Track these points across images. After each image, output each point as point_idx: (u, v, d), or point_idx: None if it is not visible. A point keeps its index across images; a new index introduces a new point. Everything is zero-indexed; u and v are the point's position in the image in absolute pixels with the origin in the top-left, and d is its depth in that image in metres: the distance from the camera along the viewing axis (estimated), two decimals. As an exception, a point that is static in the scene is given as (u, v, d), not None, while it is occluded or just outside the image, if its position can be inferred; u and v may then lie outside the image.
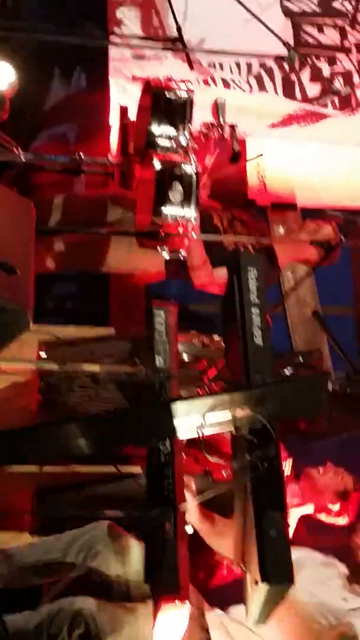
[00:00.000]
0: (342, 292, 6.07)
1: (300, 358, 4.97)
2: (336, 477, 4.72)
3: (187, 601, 2.90)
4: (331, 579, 4.01)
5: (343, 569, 4.11)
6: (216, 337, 4.53)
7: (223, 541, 4.00)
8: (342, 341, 5.03)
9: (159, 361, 3.50)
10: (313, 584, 3.92)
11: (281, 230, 5.67)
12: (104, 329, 4.64)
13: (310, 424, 4.95)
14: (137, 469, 4.06)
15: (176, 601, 2.89)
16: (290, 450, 4.73)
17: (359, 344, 6.07)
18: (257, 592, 2.87)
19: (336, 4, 6.08)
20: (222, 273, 4.84)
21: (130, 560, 3.91)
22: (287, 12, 5.99)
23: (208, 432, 3.12)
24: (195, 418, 3.07)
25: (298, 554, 4.10)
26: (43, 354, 4.32)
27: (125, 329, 4.67)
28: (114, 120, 5.55)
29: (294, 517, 4.70)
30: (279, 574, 2.84)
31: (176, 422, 3.07)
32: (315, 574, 4.01)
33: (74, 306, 5.51)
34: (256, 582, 2.86)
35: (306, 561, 4.10)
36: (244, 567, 3.10)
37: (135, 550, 3.87)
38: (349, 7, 6.08)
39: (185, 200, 4.43)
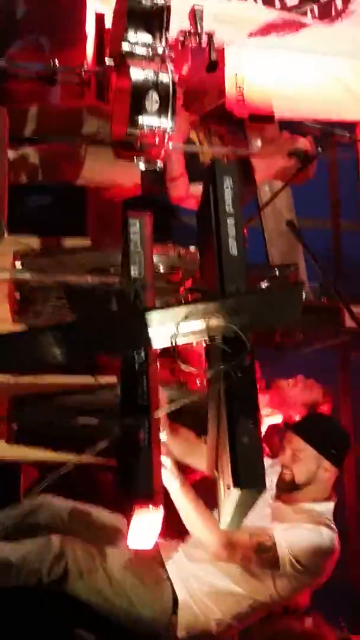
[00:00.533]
0: (319, 205, 6.06)
1: (276, 271, 4.98)
2: (305, 389, 4.79)
3: (161, 506, 2.95)
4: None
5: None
6: (192, 249, 4.53)
7: (194, 455, 4.07)
8: (319, 254, 5.04)
9: (134, 271, 3.49)
10: None
11: (258, 143, 5.63)
12: (80, 240, 4.63)
13: (285, 336, 4.99)
14: (113, 380, 4.08)
15: (150, 506, 2.93)
16: (262, 362, 4.78)
17: (335, 256, 6.09)
18: (230, 497, 2.92)
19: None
20: (199, 188, 4.83)
21: None
22: None
23: (182, 341, 3.14)
24: (170, 327, 3.08)
25: None
26: (18, 264, 4.31)
27: (102, 241, 4.66)
28: (91, 29, 5.43)
29: (263, 426, 4.78)
30: (251, 479, 2.88)
31: (150, 332, 3.09)
32: None
33: (49, 218, 5.47)
34: (228, 488, 2.90)
35: None
36: (217, 474, 3.15)
37: None
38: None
39: (162, 109, 4.36)
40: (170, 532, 3.97)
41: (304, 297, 3.14)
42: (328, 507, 4.15)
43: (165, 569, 4.06)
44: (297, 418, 4.65)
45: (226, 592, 4.00)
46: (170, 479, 3.83)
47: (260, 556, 3.92)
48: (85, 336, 3.05)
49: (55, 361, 3.02)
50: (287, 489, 4.16)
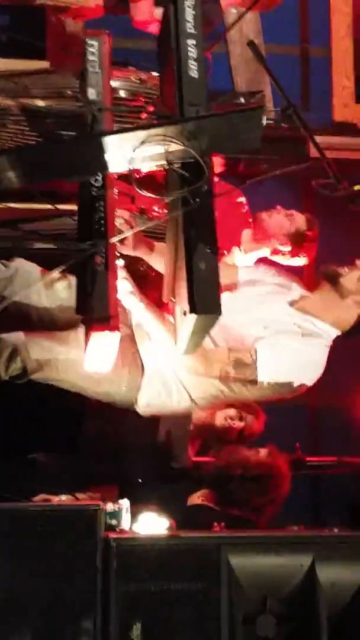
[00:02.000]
0: (288, 32, 5.89)
1: (242, 98, 4.87)
2: (285, 219, 4.75)
3: (117, 330, 2.96)
4: (273, 298, 4.06)
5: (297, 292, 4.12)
6: (154, 74, 4.40)
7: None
8: (286, 82, 4.91)
9: (91, 93, 3.38)
10: (247, 302, 4.00)
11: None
12: (39, 62, 4.49)
13: (248, 166, 4.93)
14: (74, 207, 4.03)
15: (106, 330, 2.95)
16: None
17: (302, 84, 5.97)
18: (186, 322, 2.93)
19: None
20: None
21: (54, 292, 4.00)
22: None
23: (140, 166, 3.08)
24: (128, 152, 3.01)
25: (255, 273, 4.19)
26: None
27: (62, 65, 4.52)
28: None
29: (252, 259, 4.77)
30: (206, 305, 2.88)
31: (108, 156, 3.02)
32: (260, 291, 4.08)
33: (6, 39, 5.28)
34: (185, 313, 2.91)
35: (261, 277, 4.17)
36: (174, 300, 3.16)
37: (61, 283, 3.96)
38: None
39: None
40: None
41: (264, 122, 3.04)
42: (334, 333, 4.04)
43: (135, 343, 4.05)
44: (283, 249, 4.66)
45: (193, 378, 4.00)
46: (133, 301, 3.82)
47: (238, 372, 3.89)
48: (42, 160, 2.99)
49: (11, 185, 2.96)
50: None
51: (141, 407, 4.02)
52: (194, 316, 2.87)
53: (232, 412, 4.75)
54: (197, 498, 4.41)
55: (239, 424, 4.71)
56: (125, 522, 3.17)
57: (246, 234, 4.81)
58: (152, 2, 5.01)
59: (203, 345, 3.62)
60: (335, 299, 3.96)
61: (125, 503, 3.19)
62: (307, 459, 5.17)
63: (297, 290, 4.05)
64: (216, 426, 4.78)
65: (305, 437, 5.69)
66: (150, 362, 3.96)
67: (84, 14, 5.07)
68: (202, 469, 4.62)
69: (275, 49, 5.55)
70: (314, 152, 4.61)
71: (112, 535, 3.04)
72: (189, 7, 3.32)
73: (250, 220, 4.86)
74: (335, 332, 3.98)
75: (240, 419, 4.73)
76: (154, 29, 4.92)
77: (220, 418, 4.77)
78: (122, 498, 3.24)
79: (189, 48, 3.26)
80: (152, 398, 3.99)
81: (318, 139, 4.30)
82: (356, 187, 3.78)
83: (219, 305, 2.88)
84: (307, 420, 5.90)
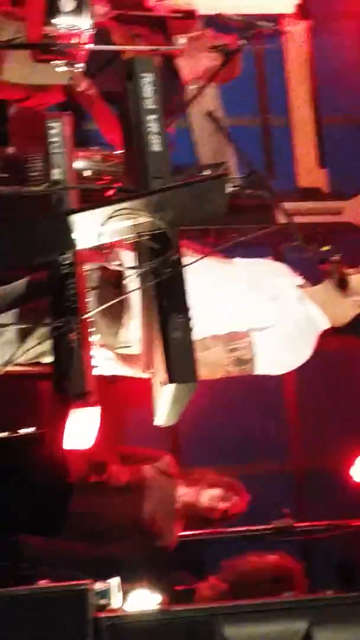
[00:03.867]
0: (248, 103, 5.99)
1: (206, 171, 4.92)
2: None
3: (97, 405, 2.96)
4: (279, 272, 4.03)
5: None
6: (118, 152, 4.47)
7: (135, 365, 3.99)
8: (250, 151, 5.00)
9: (55, 174, 3.43)
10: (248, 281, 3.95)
11: (181, 41, 5.52)
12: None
13: (219, 236, 4.97)
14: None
15: (86, 406, 2.94)
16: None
17: (265, 153, 6.06)
18: (164, 393, 2.93)
19: None
20: None
21: None
22: None
23: (109, 240, 3.11)
24: (96, 229, 3.04)
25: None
26: None
27: (25, 150, 4.56)
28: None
29: None
30: (183, 374, 2.88)
31: (76, 234, 3.05)
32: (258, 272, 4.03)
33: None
34: (163, 384, 2.91)
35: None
36: (152, 372, 3.16)
37: None
38: None
39: (78, 8, 4.26)
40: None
41: (229, 189, 3.08)
42: (325, 326, 3.96)
43: None
44: None
45: None
46: (117, 366, 3.80)
47: (239, 368, 3.79)
48: (6, 241, 3.00)
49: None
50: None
51: None
52: (171, 386, 2.87)
53: (217, 492, 4.75)
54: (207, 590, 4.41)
55: (223, 505, 4.71)
56: (116, 600, 3.12)
57: None
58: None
59: (200, 349, 3.55)
60: (337, 295, 3.92)
61: (114, 581, 3.14)
62: (296, 524, 5.14)
63: (299, 278, 4.03)
64: (201, 506, 4.77)
65: (293, 501, 5.66)
66: None
67: (46, 99, 5.15)
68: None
69: (236, 121, 5.65)
70: (282, 219, 4.68)
71: (103, 614, 2.99)
72: (148, 83, 3.39)
73: None
74: (325, 326, 3.93)
75: (225, 499, 4.73)
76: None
77: (206, 498, 4.76)
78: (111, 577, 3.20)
79: (150, 123, 3.31)
80: None
81: (285, 204, 4.37)
82: (324, 249, 3.82)
83: (196, 375, 2.88)
84: (294, 484, 5.88)
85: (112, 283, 3.70)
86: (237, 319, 3.82)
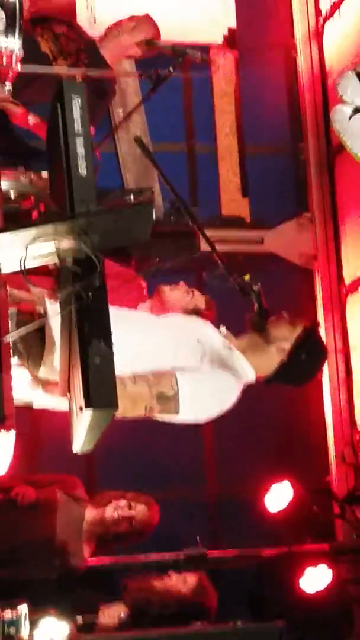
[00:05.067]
0: (174, 130, 6.03)
1: (131, 196, 4.94)
2: (187, 295, 4.79)
3: (12, 429, 2.91)
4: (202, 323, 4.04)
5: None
6: (44, 174, 4.44)
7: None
8: (175, 178, 5.01)
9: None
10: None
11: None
12: None
13: (140, 260, 4.99)
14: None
15: (1, 430, 2.90)
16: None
17: (190, 180, 6.09)
18: (82, 418, 2.90)
19: None
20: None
21: None
22: None
23: (32, 264, 3.08)
24: (19, 250, 3.02)
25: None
26: None
27: None
28: None
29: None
30: (103, 399, 2.86)
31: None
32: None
33: None
34: (81, 409, 2.89)
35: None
36: (70, 396, 3.13)
37: None
38: None
39: (9, 29, 4.24)
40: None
41: (154, 216, 3.09)
42: (252, 376, 3.95)
43: None
44: None
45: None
46: (34, 390, 3.74)
47: (162, 405, 3.69)
48: None
49: None
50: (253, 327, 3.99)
51: None
52: (90, 411, 2.85)
53: (121, 502, 4.73)
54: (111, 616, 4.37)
55: (128, 513, 4.68)
56: (24, 629, 3.07)
57: (142, 306, 4.82)
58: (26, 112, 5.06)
59: (122, 384, 3.51)
60: (260, 344, 3.93)
61: (23, 609, 3.09)
62: (208, 552, 5.14)
63: (223, 329, 4.02)
64: (108, 520, 4.74)
65: (206, 529, 5.66)
66: None
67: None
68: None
69: (162, 146, 5.68)
70: (204, 246, 4.71)
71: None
72: (75, 105, 3.38)
73: (145, 294, 4.88)
74: (252, 376, 3.91)
75: (130, 507, 4.70)
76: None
77: (110, 511, 4.74)
78: (21, 602, 3.15)
79: (77, 147, 3.30)
80: None
81: (208, 232, 4.39)
82: (245, 277, 3.85)
83: (116, 400, 2.87)
84: (208, 512, 5.89)
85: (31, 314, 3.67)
86: (160, 357, 3.78)
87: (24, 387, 3.73)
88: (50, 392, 3.68)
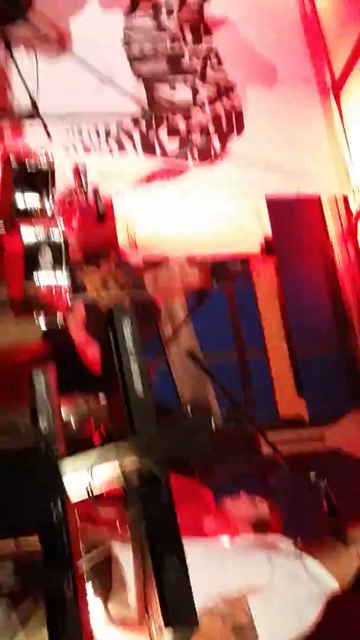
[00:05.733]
0: (222, 338, 6.15)
1: (189, 409, 5.01)
2: (249, 505, 4.70)
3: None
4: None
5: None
6: (101, 397, 4.54)
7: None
8: (228, 385, 5.09)
9: (42, 422, 3.48)
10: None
11: (155, 283, 5.74)
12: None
13: (202, 469, 4.99)
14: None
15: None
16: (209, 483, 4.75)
17: (244, 385, 6.15)
18: (164, 639, 2.86)
19: (185, 62, 6.26)
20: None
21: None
22: (138, 74, 6.14)
23: (98, 487, 3.12)
24: (84, 474, 3.07)
25: None
26: None
27: (9, 403, 4.62)
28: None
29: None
30: (182, 618, 2.83)
31: (65, 480, 3.07)
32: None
33: None
34: (161, 629, 2.84)
35: None
36: (148, 616, 3.09)
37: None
38: (198, 63, 6.28)
39: (57, 265, 4.47)
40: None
41: (213, 425, 3.15)
42: (332, 583, 3.68)
43: None
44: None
45: None
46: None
47: (239, 636, 3.45)
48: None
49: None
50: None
51: None
52: (170, 631, 2.81)
53: None
54: None
55: None
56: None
57: (207, 523, 4.76)
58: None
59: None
60: (337, 547, 3.71)
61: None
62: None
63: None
64: None
65: None
66: None
67: (28, 353, 5.19)
68: None
69: (213, 356, 5.79)
70: (266, 448, 4.71)
71: None
72: (126, 329, 3.50)
73: (212, 503, 4.83)
74: (332, 583, 3.65)
75: None
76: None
77: None
78: None
79: (132, 366, 3.40)
80: None
81: (268, 434, 4.41)
82: (310, 475, 3.83)
83: (196, 617, 2.83)
84: None
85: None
86: (226, 582, 3.58)
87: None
88: (123, 627, 3.58)
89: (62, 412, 4.11)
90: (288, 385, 6.35)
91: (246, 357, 6.33)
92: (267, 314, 6.44)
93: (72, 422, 4.41)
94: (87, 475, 3.06)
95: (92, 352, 4.89)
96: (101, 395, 4.54)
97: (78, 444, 4.12)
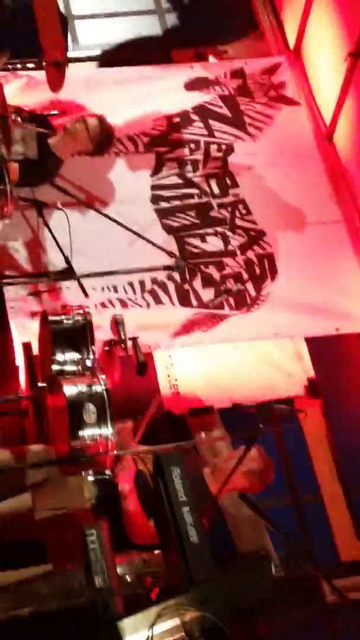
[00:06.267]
0: (275, 483, 6.03)
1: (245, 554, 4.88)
2: None
3: None
4: None
5: None
6: (156, 552, 4.44)
7: None
8: (285, 531, 4.96)
9: (98, 581, 3.39)
10: None
11: (203, 435, 5.71)
12: (41, 566, 4.51)
13: (269, 624, 4.81)
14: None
15: None
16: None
17: (301, 529, 5.99)
18: None
19: (213, 213, 6.38)
20: None
21: None
22: (168, 229, 6.25)
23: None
24: (145, 632, 2.97)
25: None
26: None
27: (64, 565, 4.53)
28: (20, 358, 5.60)
29: None
30: None
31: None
32: None
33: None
34: None
35: None
36: None
37: None
38: (226, 214, 6.39)
39: (101, 418, 4.45)
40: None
41: (273, 570, 3.06)
42: None
43: None
44: None
45: None
46: None
47: None
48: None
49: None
50: None
51: None
52: None
53: None
54: None
55: None
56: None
57: None
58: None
59: None
60: None
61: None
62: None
63: None
64: None
65: None
66: None
67: (80, 516, 5.08)
68: None
69: (267, 502, 5.66)
70: (330, 596, 4.55)
71: None
72: (176, 478, 3.47)
73: None
74: None
75: None
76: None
77: None
78: None
79: (185, 515, 3.35)
80: None
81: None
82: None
83: None
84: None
85: None
86: None
87: None
88: None
89: (118, 569, 4.02)
90: (346, 528, 6.19)
91: (300, 501, 6.20)
92: (318, 455, 6.34)
93: (128, 579, 4.29)
94: (147, 634, 2.95)
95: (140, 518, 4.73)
96: (155, 550, 4.44)
97: (137, 601, 4.02)
